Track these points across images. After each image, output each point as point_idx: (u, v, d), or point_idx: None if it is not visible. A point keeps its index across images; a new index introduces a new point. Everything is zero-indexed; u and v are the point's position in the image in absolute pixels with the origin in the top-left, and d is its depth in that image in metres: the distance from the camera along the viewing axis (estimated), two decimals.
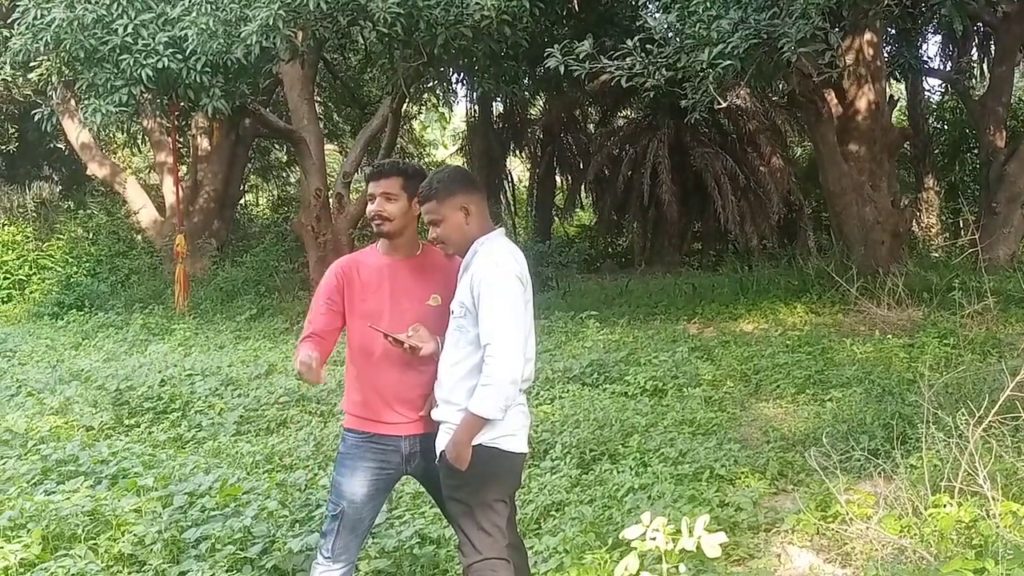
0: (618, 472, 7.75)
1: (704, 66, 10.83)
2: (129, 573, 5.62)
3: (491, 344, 4.20)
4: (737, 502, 6.86)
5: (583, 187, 33.58)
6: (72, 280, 23.55)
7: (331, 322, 4.71)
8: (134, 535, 6.05)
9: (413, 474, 4.82)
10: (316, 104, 24.41)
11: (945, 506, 5.77)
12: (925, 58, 26.51)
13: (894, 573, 5.14)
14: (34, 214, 31.59)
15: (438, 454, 4.44)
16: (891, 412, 8.64)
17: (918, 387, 8.03)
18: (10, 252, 25.32)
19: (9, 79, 21.09)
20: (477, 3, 13.20)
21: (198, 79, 15.10)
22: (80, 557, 5.63)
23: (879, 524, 5.89)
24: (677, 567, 4.62)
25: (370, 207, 4.70)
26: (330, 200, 20.03)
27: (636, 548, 4.65)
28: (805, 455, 7.32)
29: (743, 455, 8.07)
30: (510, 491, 4.61)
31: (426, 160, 38.82)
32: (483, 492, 4.37)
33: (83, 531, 6.09)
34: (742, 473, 7.64)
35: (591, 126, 34.17)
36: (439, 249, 4.65)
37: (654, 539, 4.60)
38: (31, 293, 24.06)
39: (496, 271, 4.29)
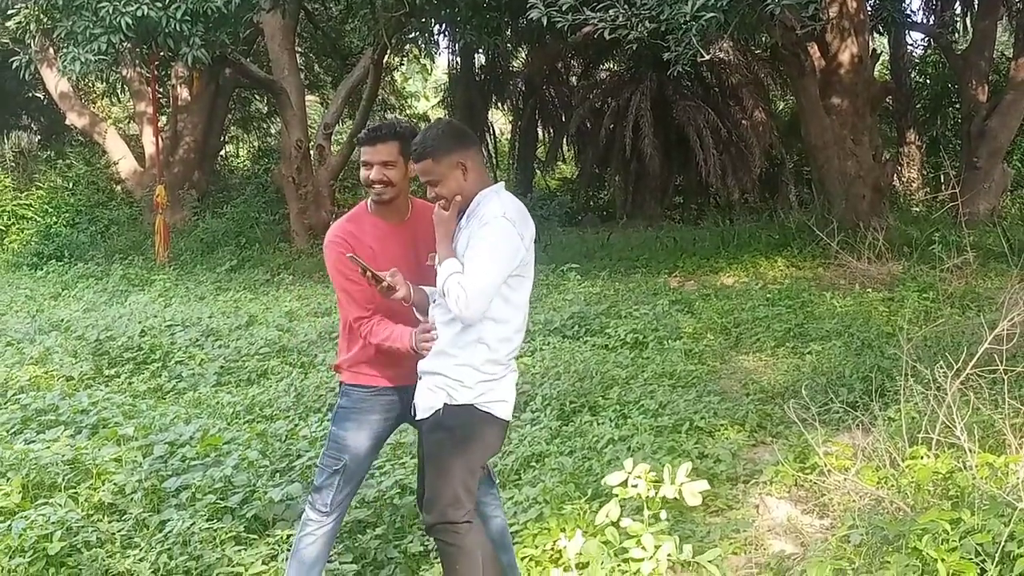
0: (598, 424, 7.78)
1: (687, 18, 10.77)
2: (110, 521, 5.62)
3: (462, 284, 4.10)
4: (716, 454, 6.90)
5: (565, 140, 33.46)
6: (51, 230, 23.45)
7: (370, 296, 4.53)
8: (114, 484, 6.07)
9: (413, 423, 4.80)
10: (297, 55, 24.26)
11: (922, 458, 5.80)
12: (908, 12, 26.54)
13: (871, 523, 5.16)
14: (12, 164, 31.37)
15: (417, 409, 4.40)
16: (870, 365, 8.69)
17: (897, 340, 8.05)
18: None
19: None
20: None
21: (178, 27, 14.95)
22: (60, 505, 5.63)
23: (857, 475, 5.92)
24: (658, 515, 4.64)
25: (367, 173, 4.57)
26: (311, 151, 19.96)
27: (617, 495, 4.68)
28: (784, 407, 7.35)
29: (723, 407, 8.11)
30: (491, 456, 4.60)
31: (408, 112, 38.61)
32: (467, 453, 4.33)
33: (63, 480, 6.10)
34: (721, 425, 7.67)
35: (573, 78, 33.99)
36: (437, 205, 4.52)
37: (636, 486, 4.63)
38: (10, 243, 23.93)
39: (499, 219, 4.21)
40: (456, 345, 4.28)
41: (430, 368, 4.36)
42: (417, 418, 4.42)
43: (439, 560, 4.48)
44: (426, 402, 4.36)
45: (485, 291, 4.13)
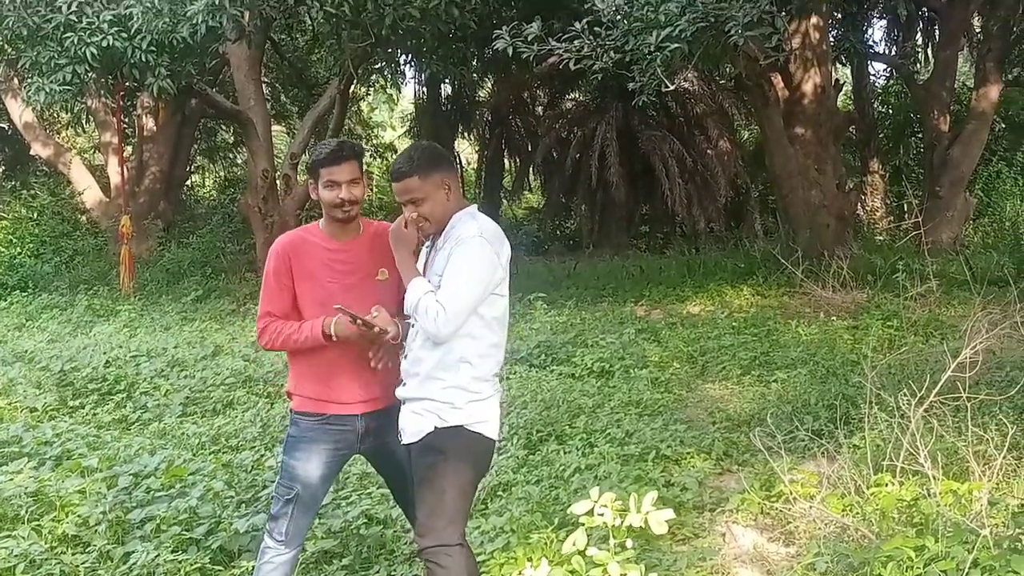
0: (565, 452, 7.79)
1: (652, 49, 10.84)
2: (73, 554, 5.58)
3: (442, 303, 4.14)
4: (682, 482, 6.91)
5: (531, 169, 33.55)
6: (15, 261, 23.25)
7: (289, 301, 4.62)
8: (78, 516, 6.02)
9: (364, 453, 4.80)
10: (263, 85, 24.22)
11: (887, 485, 5.83)
12: (870, 42, 26.81)
13: (837, 551, 5.19)
14: None
15: (404, 434, 4.40)
16: (835, 393, 8.74)
17: (862, 368, 8.11)
18: None
19: None
20: None
21: (143, 58, 14.95)
22: (23, 538, 5.60)
23: (822, 503, 5.94)
24: (623, 543, 4.64)
25: (334, 193, 4.54)
26: (277, 181, 19.93)
27: (584, 524, 4.68)
28: (750, 435, 7.37)
29: (689, 436, 8.13)
30: (482, 476, 4.61)
31: (375, 141, 38.65)
32: (459, 474, 4.34)
33: (26, 512, 6.06)
34: (687, 453, 7.69)
35: (539, 108, 34.11)
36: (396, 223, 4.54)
37: (602, 515, 4.63)
38: None
39: (476, 239, 4.24)
40: (441, 368, 4.30)
41: (416, 394, 4.37)
42: (404, 443, 4.41)
43: None
44: (414, 426, 4.36)
45: (463, 310, 4.19)
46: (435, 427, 4.30)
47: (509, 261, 4.44)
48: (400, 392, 4.44)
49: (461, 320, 4.19)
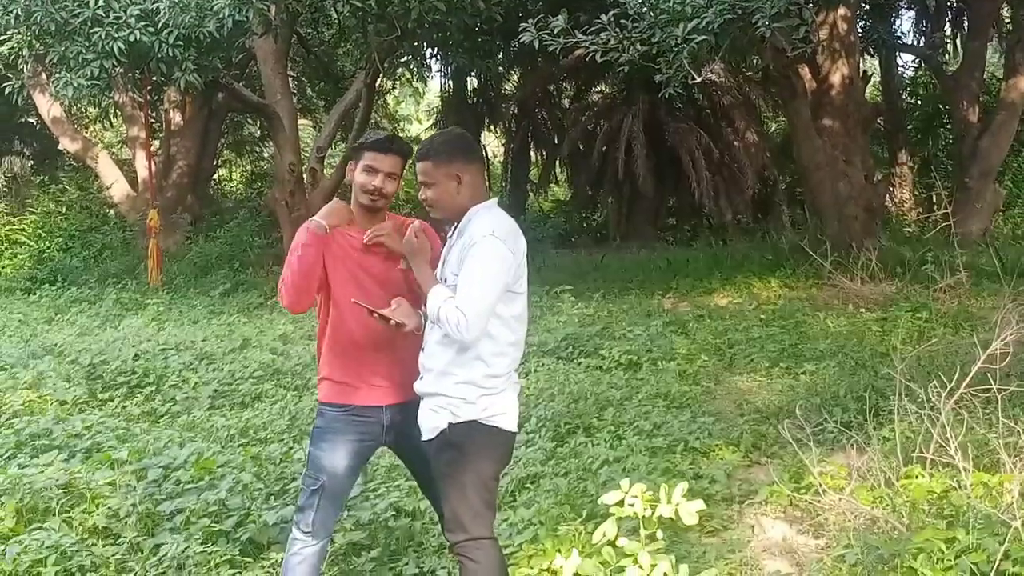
0: (592, 445, 7.78)
1: (678, 41, 10.80)
2: (104, 545, 5.61)
3: (460, 308, 4.13)
4: (711, 474, 6.91)
5: (558, 162, 33.43)
6: (45, 255, 23.43)
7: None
8: (108, 508, 6.05)
9: (390, 445, 4.80)
10: (289, 78, 24.27)
11: (917, 477, 5.80)
12: (899, 33, 26.63)
13: (867, 543, 5.17)
14: (5, 189, 31.35)
15: (422, 431, 4.41)
16: (864, 385, 8.68)
17: (891, 360, 8.06)
18: None
19: None
20: None
21: (170, 53, 14.99)
22: (54, 530, 5.63)
23: (852, 495, 5.92)
24: (654, 534, 4.64)
25: (369, 179, 4.57)
26: (304, 175, 19.96)
27: (614, 514, 4.68)
28: (779, 428, 7.34)
29: (717, 428, 8.11)
30: (503, 468, 4.60)
31: (400, 135, 38.57)
32: (479, 468, 4.34)
33: (57, 504, 6.08)
34: (716, 446, 7.68)
35: (566, 101, 33.97)
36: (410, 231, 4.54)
37: (632, 505, 4.63)
38: (3, 268, 23.84)
39: (488, 238, 4.22)
40: (455, 364, 4.30)
41: (431, 390, 4.37)
42: (423, 439, 4.41)
43: None
44: (430, 423, 4.37)
45: (483, 312, 4.17)
46: (449, 423, 4.30)
47: (525, 255, 4.44)
48: (418, 386, 4.45)
49: (483, 321, 4.19)
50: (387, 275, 4.59)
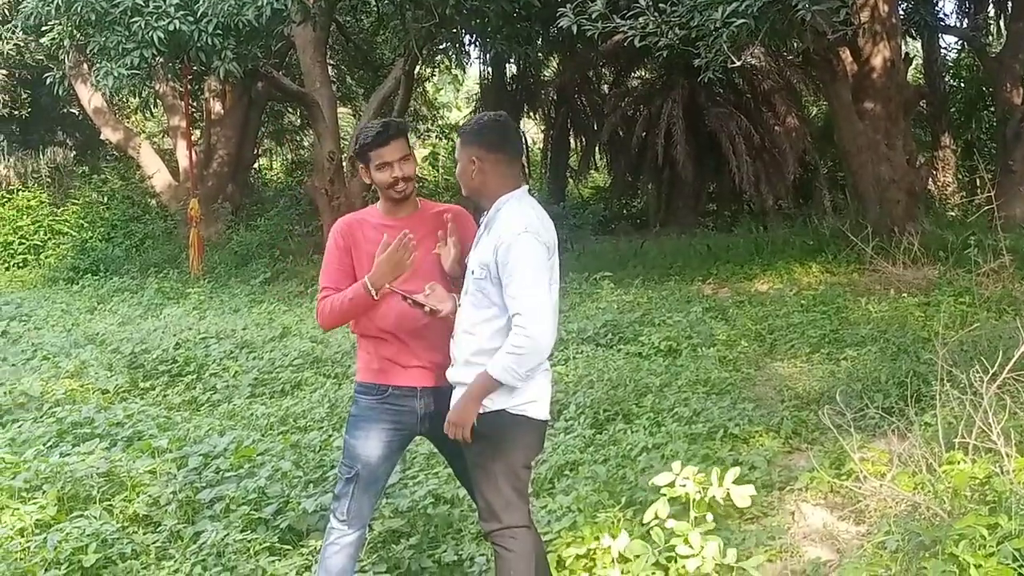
0: (632, 432, 7.76)
1: (718, 25, 10.73)
2: (144, 533, 5.66)
3: (520, 314, 4.12)
4: (751, 461, 6.86)
5: (597, 148, 33.32)
6: (87, 245, 23.62)
7: (347, 280, 4.61)
8: (149, 496, 6.10)
9: (426, 435, 4.79)
10: (329, 67, 24.31)
11: (959, 463, 5.75)
12: (941, 15, 26.37)
13: (907, 529, 5.13)
14: (48, 179, 31.65)
15: None
16: (906, 370, 8.62)
17: (933, 345, 8.00)
18: (25, 217, 25.39)
19: (21, 44, 21.21)
20: None
21: (210, 41, 15.07)
22: (95, 518, 5.68)
23: (893, 481, 5.88)
24: (704, 516, 4.64)
25: (385, 174, 4.57)
26: (344, 163, 20.01)
27: (665, 495, 4.68)
28: (819, 414, 7.30)
29: (757, 414, 8.07)
30: (534, 457, 4.58)
31: (440, 122, 38.62)
32: (508, 458, 4.34)
33: (98, 492, 6.14)
34: (756, 432, 7.64)
35: (605, 87, 33.84)
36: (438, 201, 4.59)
37: (684, 486, 4.63)
38: (46, 258, 24.12)
39: (522, 236, 4.19)
40: (480, 354, 4.30)
41: (459, 378, 4.37)
42: None
43: (494, 566, 4.44)
44: None
45: (540, 305, 4.18)
46: (478, 413, 4.28)
47: (556, 245, 4.42)
48: (449, 374, 4.46)
49: (545, 312, 4.19)
50: (421, 261, 4.58)
